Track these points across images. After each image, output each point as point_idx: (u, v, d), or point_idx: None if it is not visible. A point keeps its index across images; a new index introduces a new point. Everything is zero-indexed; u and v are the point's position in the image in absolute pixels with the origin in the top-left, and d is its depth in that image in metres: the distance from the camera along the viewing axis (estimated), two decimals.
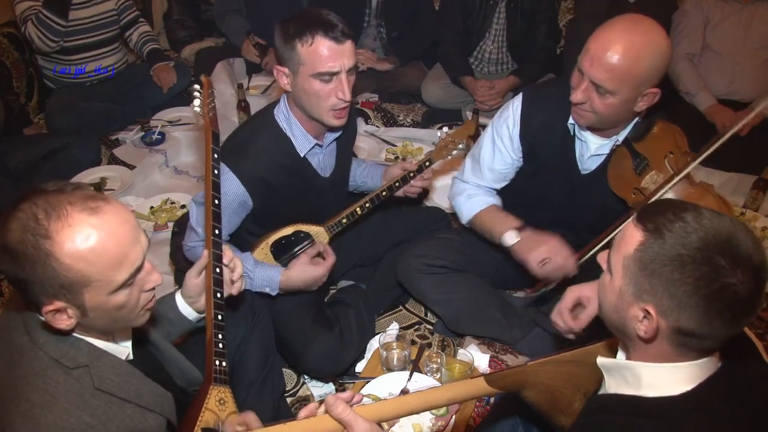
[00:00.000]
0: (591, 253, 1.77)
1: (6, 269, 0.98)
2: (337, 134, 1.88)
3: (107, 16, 3.24)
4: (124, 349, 1.16)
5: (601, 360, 1.03)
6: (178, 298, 1.44)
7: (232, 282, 1.44)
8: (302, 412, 1.00)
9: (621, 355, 1.05)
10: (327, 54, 1.61)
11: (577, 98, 1.60)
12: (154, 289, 1.12)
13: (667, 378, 0.93)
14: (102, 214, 0.99)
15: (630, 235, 0.92)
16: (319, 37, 1.59)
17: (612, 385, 1.01)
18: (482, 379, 1.11)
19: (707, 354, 0.93)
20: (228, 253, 1.42)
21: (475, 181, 2.01)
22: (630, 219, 0.96)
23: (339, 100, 1.67)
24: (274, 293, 1.82)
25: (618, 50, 1.49)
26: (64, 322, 1.01)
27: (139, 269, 1.06)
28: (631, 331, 0.94)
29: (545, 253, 1.76)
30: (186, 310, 1.44)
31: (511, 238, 1.85)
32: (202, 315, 1.45)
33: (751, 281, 0.84)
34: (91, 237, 0.97)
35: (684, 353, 0.92)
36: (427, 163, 2.04)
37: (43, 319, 1.04)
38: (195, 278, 1.40)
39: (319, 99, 1.67)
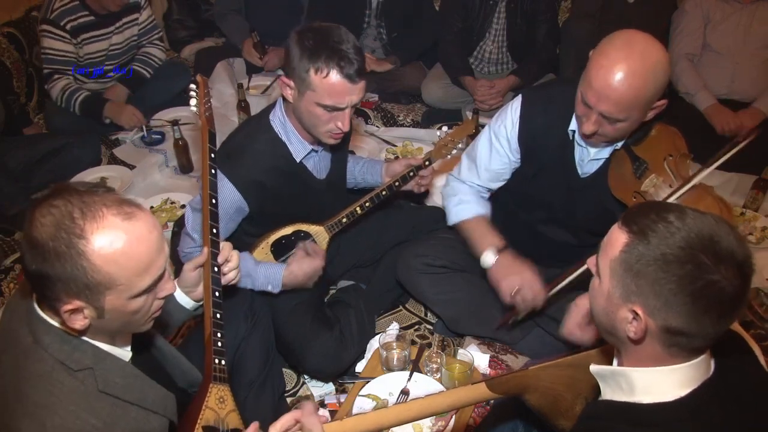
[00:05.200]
0: (561, 285, 1.77)
1: (31, 263, 0.98)
2: None
3: (133, 40, 3.27)
4: (125, 353, 1.17)
5: (594, 367, 1.03)
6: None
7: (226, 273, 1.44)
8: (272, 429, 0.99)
9: (615, 361, 1.05)
10: (338, 90, 1.60)
11: (589, 130, 1.58)
12: (164, 298, 1.13)
13: (661, 382, 0.94)
14: (135, 220, 1.01)
15: (615, 238, 0.93)
16: (335, 72, 1.57)
17: (607, 393, 1.01)
18: (483, 385, 1.11)
19: (698, 354, 0.93)
20: (226, 248, 1.42)
21: (471, 180, 2.01)
22: (615, 224, 0.96)
23: (337, 128, 1.68)
24: (276, 290, 1.82)
25: (622, 81, 1.45)
26: (79, 322, 1.02)
27: (161, 277, 1.07)
28: (622, 333, 0.95)
29: (517, 284, 1.78)
30: (183, 299, 1.44)
31: (488, 258, 1.86)
32: (199, 303, 1.46)
33: (735, 277, 0.85)
34: (124, 241, 0.98)
35: (675, 354, 0.92)
36: (427, 162, 2.05)
37: (46, 318, 1.04)
38: (192, 271, 1.41)
39: (318, 122, 1.67)
